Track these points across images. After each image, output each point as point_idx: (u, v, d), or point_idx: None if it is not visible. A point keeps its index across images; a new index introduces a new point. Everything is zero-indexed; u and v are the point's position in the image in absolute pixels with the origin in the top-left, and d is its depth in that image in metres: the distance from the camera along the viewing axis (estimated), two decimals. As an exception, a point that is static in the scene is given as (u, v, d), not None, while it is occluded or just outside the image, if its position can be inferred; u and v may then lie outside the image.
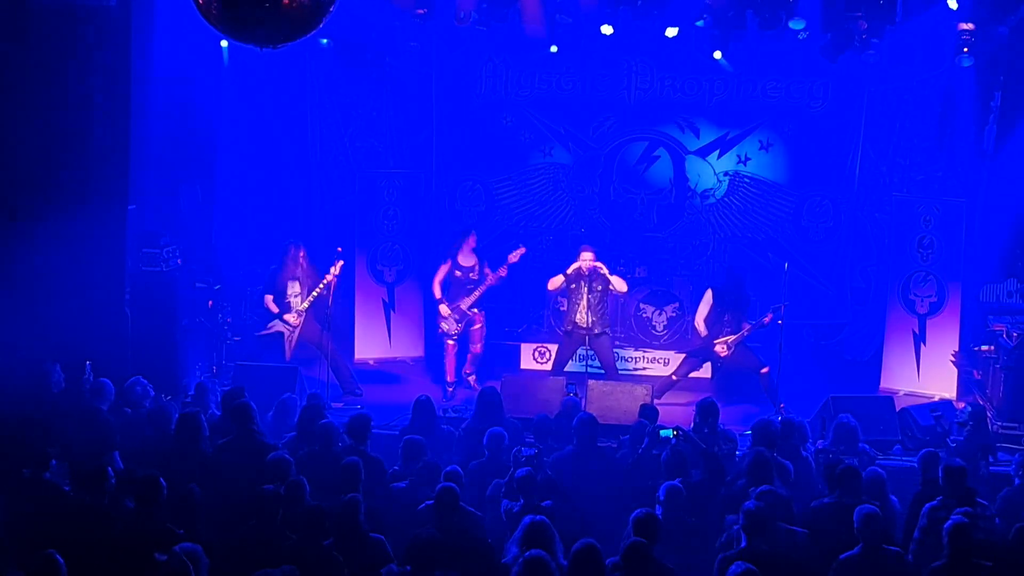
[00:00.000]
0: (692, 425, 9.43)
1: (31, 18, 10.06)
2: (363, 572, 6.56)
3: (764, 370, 11.70)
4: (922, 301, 12.69)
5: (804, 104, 13.75)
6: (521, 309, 13.71)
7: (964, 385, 12.34)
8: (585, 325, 11.59)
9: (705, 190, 14.09)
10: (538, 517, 6.71)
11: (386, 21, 12.88)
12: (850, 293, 14.05)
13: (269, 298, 12.21)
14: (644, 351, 13.13)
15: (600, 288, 11.62)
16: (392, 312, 13.66)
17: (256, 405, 8.75)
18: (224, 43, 12.88)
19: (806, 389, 12.03)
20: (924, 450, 8.50)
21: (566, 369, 11.93)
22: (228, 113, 13.40)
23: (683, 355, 12.34)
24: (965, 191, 13.02)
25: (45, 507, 7.24)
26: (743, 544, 6.73)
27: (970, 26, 11.86)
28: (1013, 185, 12.79)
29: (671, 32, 12.55)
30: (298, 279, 12.13)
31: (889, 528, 7.28)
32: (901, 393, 12.35)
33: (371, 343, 13.55)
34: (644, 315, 13.28)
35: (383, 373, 13.23)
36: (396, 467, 8.41)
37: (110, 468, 7.40)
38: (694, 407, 9.57)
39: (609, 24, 12.62)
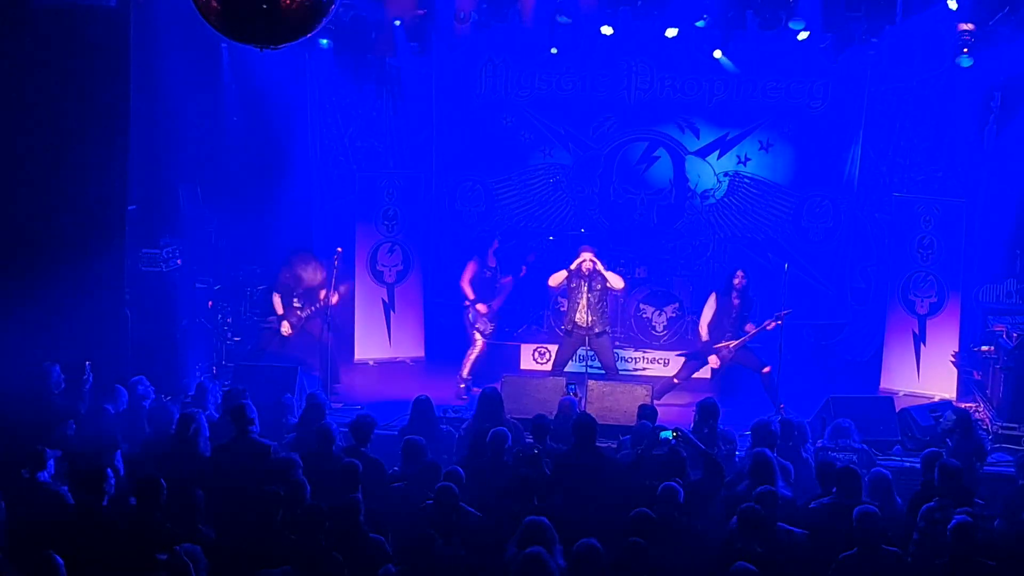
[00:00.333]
0: (692, 425, 9.43)
1: (31, 18, 10.06)
2: (363, 572, 6.56)
3: (766, 369, 11.71)
4: (922, 301, 12.69)
5: (804, 104, 13.75)
6: (521, 309, 13.70)
7: (964, 385, 12.34)
8: (585, 325, 11.59)
9: (705, 190, 14.09)
10: (538, 517, 6.71)
11: (386, 21, 12.88)
12: (850, 293, 14.05)
13: (277, 297, 12.22)
14: (644, 351, 13.13)
15: (600, 287, 11.62)
16: (392, 312, 13.66)
17: (256, 405, 8.75)
18: (224, 45, 12.89)
19: (806, 389, 12.03)
20: (927, 450, 8.50)
21: (566, 369, 11.92)
22: (228, 113, 13.40)
23: (683, 359, 12.34)
24: (965, 191, 13.02)
25: (43, 508, 7.24)
26: (737, 544, 6.73)
27: (970, 26, 11.87)
28: (1013, 185, 12.81)
29: (671, 32, 12.55)
30: (304, 288, 12.21)
31: (888, 529, 7.26)
32: (901, 393, 12.35)
33: (371, 343, 13.55)
34: (644, 315, 13.28)
35: (383, 373, 13.23)
36: (396, 467, 8.41)
37: (109, 469, 7.38)
38: (694, 407, 9.56)
39: (609, 25, 12.62)
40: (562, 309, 12.47)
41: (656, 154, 14.13)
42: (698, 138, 14.02)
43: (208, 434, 8.55)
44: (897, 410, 11.00)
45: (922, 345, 12.64)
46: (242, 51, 12.39)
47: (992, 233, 12.86)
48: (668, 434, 8.26)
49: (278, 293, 12.24)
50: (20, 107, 10.13)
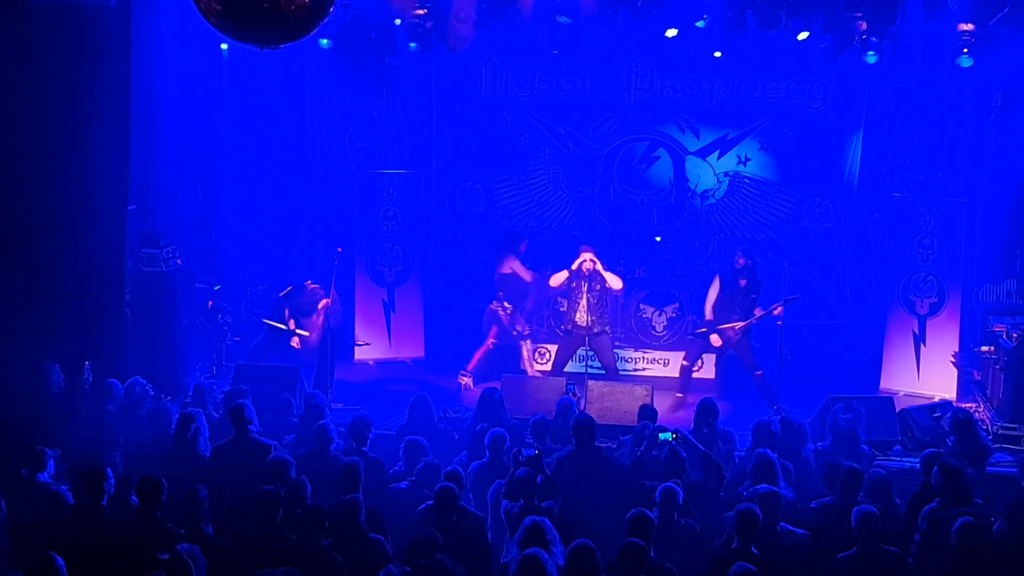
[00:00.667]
0: (692, 425, 9.43)
1: (31, 18, 10.05)
2: (363, 572, 6.55)
3: (758, 372, 11.73)
4: (922, 302, 12.69)
5: (804, 104, 13.75)
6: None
7: (964, 386, 12.34)
8: (585, 325, 11.59)
9: (705, 191, 14.09)
10: (538, 518, 6.71)
11: (386, 21, 12.88)
12: (850, 294, 14.05)
13: (291, 322, 12.39)
14: (644, 351, 13.13)
15: (599, 288, 11.63)
16: (392, 313, 13.66)
17: (257, 405, 8.75)
18: (224, 46, 12.88)
19: (806, 389, 12.02)
20: (927, 451, 8.50)
21: (566, 369, 11.92)
22: (228, 113, 13.40)
23: (689, 346, 12.43)
24: (965, 191, 13.03)
25: (43, 508, 7.24)
26: (734, 544, 6.72)
27: (970, 26, 11.87)
28: (1013, 185, 12.81)
29: (671, 33, 12.55)
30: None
31: (888, 529, 7.26)
32: (901, 394, 12.34)
33: (371, 344, 13.54)
34: (644, 316, 13.27)
35: (383, 373, 13.23)
36: (396, 467, 8.41)
37: (109, 469, 7.38)
38: (694, 407, 9.56)
39: (609, 26, 12.62)
40: (562, 309, 12.47)
41: (656, 154, 14.13)
42: (698, 138, 14.02)
43: (208, 434, 8.55)
44: (897, 410, 11.00)
45: (922, 345, 12.64)
46: (242, 51, 12.39)
47: (992, 233, 12.86)
48: (667, 435, 8.26)
49: (289, 310, 12.37)
50: (20, 107, 10.12)
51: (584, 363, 11.99)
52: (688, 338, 12.59)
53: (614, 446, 9.47)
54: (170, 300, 11.68)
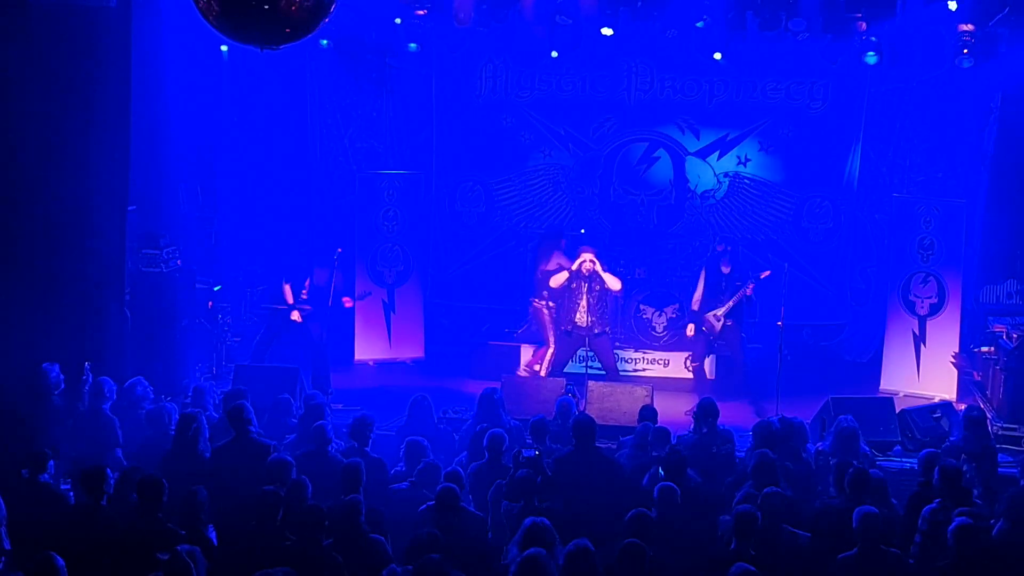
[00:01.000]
0: (691, 425, 9.42)
1: (31, 18, 10.05)
2: (364, 573, 6.55)
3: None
4: (922, 302, 12.68)
5: (804, 105, 13.76)
6: (521, 310, 13.69)
7: (964, 386, 12.33)
8: (585, 325, 11.58)
9: (705, 191, 14.10)
10: (538, 518, 6.70)
11: (386, 22, 12.88)
12: (850, 294, 14.06)
13: (288, 287, 12.11)
14: (644, 352, 13.13)
15: (599, 288, 11.62)
16: (392, 313, 13.66)
17: (256, 406, 8.74)
18: (224, 47, 12.88)
19: (806, 390, 12.01)
20: (925, 451, 8.49)
21: (566, 370, 11.91)
22: (228, 113, 13.40)
23: (687, 355, 12.55)
24: (965, 192, 13.02)
25: (43, 508, 7.23)
26: (732, 546, 6.72)
27: (970, 27, 11.87)
28: (1013, 185, 12.81)
29: (671, 34, 12.56)
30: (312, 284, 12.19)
31: (889, 530, 7.25)
32: (901, 394, 12.33)
33: (371, 344, 13.55)
34: (644, 316, 13.28)
35: (383, 374, 13.23)
36: (396, 468, 8.40)
37: (108, 469, 7.37)
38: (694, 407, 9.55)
39: (609, 26, 12.62)
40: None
41: (656, 155, 14.14)
42: (698, 139, 14.02)
43: (208, 435, 8.55)
44: (897, 411, 10.99)
45: (922, 346, 12.63)
46: (242, 51, 12.39)
47: (992, 233, 12.86)
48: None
49: (288, 283, 12.16)
50: (20, 107, 10.12)
51: (584, 364, 11.99)
52: (688, 338, 12.59)
53: (614, 447, 9.47)
54: (170, 300, 11.67)
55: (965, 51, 12.02)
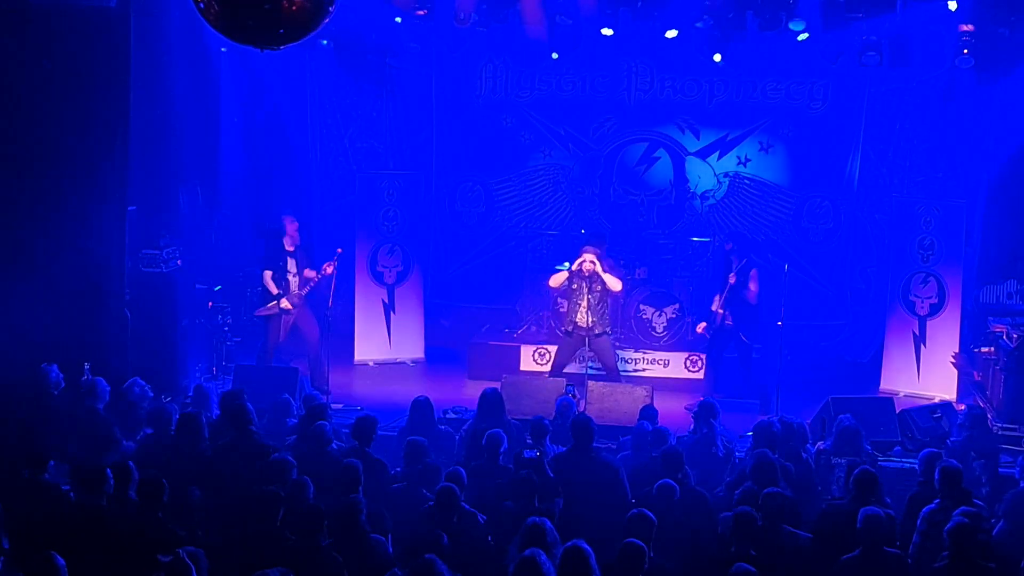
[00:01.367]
0: (691, 425, 9.42)
1: (31, 18, 10.06)
2: (364, 573, 6.55)
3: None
4: (922, 302, 12.67)
5: (804, 105, 13.77)
6: (521, 310, 13.70)
7: (964, 387, 12.33)
8: (585, 325, 11.57)
9: (705, 191, 14.11)
10: (538, 519, 6.70)
11: (386, 22, 12.88)
12: (850, 294, 14.06)
13: (268, 274, 12.01)
14: (644, 352, 13.12)
15: (600, 288, 11.61)
16: (392, 313, 13.65)
17: (256, 407, 8.74)
18: (223, 49, 12.88)
19: (806, 390, 12.01)
20: (925, 451, 8.49)
21: (567, 370, 11.91)
22: (228, 114, 13.39)
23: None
24: (965, 192, 13.02)
25: (44, 509, 7.23)
26: (732, 549, 6.72)
27: (970, 27, 11.88)
28: (1013, 186, 12.81)
29: (671, 34, 12.55)
30: (295, 256, 12.05)
31: (891, 530, 7.24)
32: (901, 394, 12.33)
33: (371, 344, 13.55)
34: (644, 316, 13.27)
35: (383, 374, 13.23)
36: (398, 468, 8.40)
37: (108, 470, 7.37)
38: (694, 408, 9.56)
39: (609, 26, 12.63)
40: (562, 310, 12.45)
41: (656, 155, 14.15)
42: (698, 139, 14.03)
43: (208, 435, 8.55)
44: (897, 411, 10.99)
45: (922, 346, 12.63)
46: (242, 51, 12.38)
47: (992, 233, 12.85)
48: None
49: (269, 270, 12.05)
50: (20, 107, 10.12)
51: (584, 364, 11.99)
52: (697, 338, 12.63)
53: (614, 447, 9.47)
54: (170, 301, 11.65)
55: (965, 51, 12.02)
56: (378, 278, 13.62)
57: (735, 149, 13.99)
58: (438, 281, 14.31)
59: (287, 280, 11.99)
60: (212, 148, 13.33)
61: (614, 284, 11.67)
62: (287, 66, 13.44)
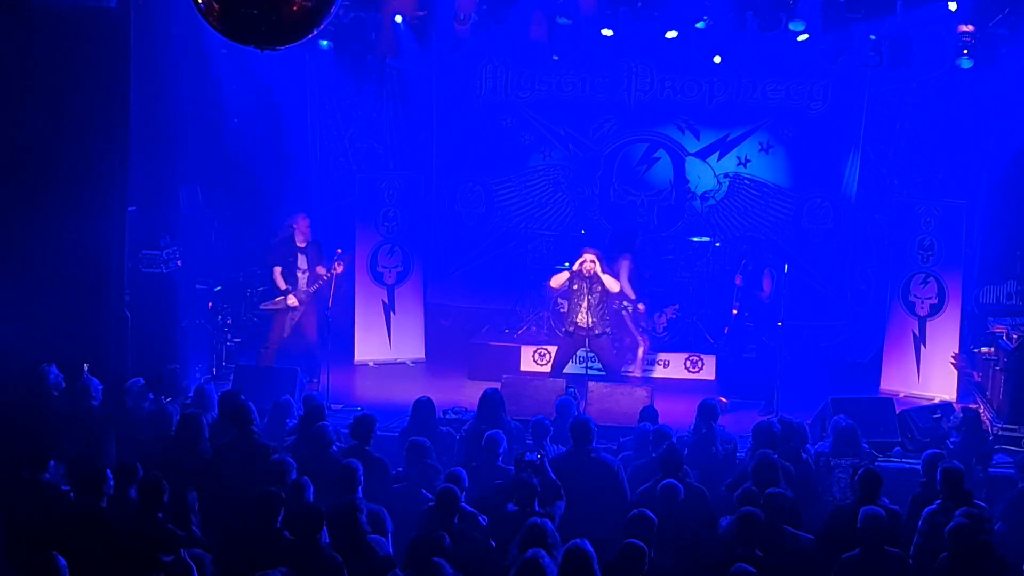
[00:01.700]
0: (692, 425, 9.42)
1: (31, 18, 10.06)
2: (364, 572, 6.55)
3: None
4: (922, 303, 12.67)
5: (804, 106, 13.77)
6: (521, 311, 13.70)
7: (964, 387, 12.33)
8: (586, 326, 11.57)
9: (705, 192, 14.11)
10: (539, 520, 6.70)
11: (386, 22, 12.88)
12: (850, 295, 14.06)
13: (278, 270, 12.09)
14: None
15: (600, 289, 11.61)
16: (392, 314, 13.65)
17: (255, 407, 8.74)
18: (224, 50, 12.87)
19: (806, 391, 12.02)
20: (928, 451, 8.48)
21: (566, 371, 11.90)
22: (228, 114, 13.39)
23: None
24: (965, 192, 13.02)
25: (45, 509, 7.23)
26: (738, 550, 6.72)
27: (970, 28, 11.88)
28: (1013, 186, 12.81)
29: (671, 34, 12.55)
30: (306, 252, 12.12)
31: (894, 530, 7.24)
32: (901, 395, 12.33)
33: (371, 345, 13.54)
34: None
35: (383, 375, 13.22)
36: (399, 469, 8.40)
37: (108, 470, 7.37)
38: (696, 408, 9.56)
39: (609, 27, 12.63)
40: (562, 311, 12.45)
41: (656, 155, 14.15)
42: (698, 139, 14.04)
43: (208, 435, 8.55)
44: (897, 411, 10.99)
45: (922, 346, 12.62)
46: (242, 52, 12.38)
47: (992, 234, 12.85)
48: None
49: (278, 266, 12.11)
50: (20, 107, 10.12)
51: (584, 364, 11.98)
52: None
53: (614, 448, 9.47)
54: (170, 301, 11.66)
55: (965, 52, 12.02)
56: (378, 278, 13.61)
57: (735, 149, 13.99)
58: (438, 281, 14.31)
59: (296, 276, 12.05)
60: (212, 148, 13.32)
61: (612, 285, 11.67)
62: (287, 67, 13.44)
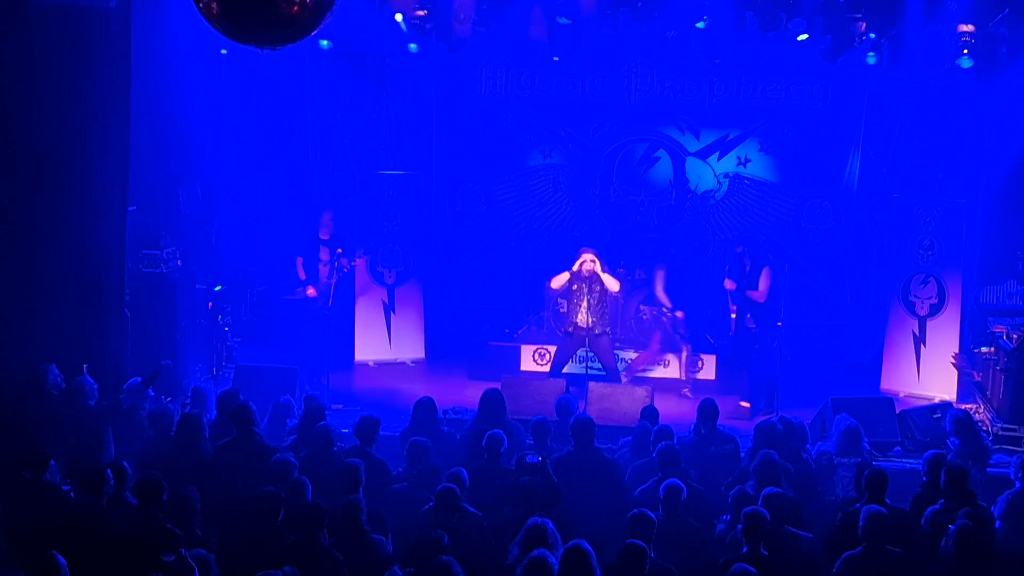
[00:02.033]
0: (692, 425, 9.42)
1: (31, 18, 10.06)
2: (364, 572, 6.55)
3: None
4: (922, 302, 12.67)
5: (804, 106, 13.76)
6: (521, 311, 13.70)
7: (964, 387, 12.33)
8: (586, 326, 11.57)
9: (705, 191, 14.10)
10: (540, 520, 6.70)
11: (386, 22, 12.87)
12: (850, 295, 14.05)
13: (299, 261, 12.56)
14: (644, 352, 13.10)
15: (600, 289, 11.61)
16: (392, 314, 13.65)
17: (255, 407, 8.74)
18: (224, 51, 12.88)
19: (806, 391, 12.02)
20: (930, 452, 8.48)
21: (566, 371, 11.90)
22: (228, 114, 13.39)
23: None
24: (965, 192, 13.01)
25: (45, 509, 7.23)
26: (744, 550, 6.71)
27: (970, 27, 11.87)
28: (1013, 186, 12.81)
29: (671, 35, 12.56)
30: (328, 245, 12.47)
31: (902, 530, 7.23)
32: (901, 395, 12.33)
33: (371, 345, 13.54)
34: (644, 317, 13.25)
35: (383, 375, 13.22)
36: (400, 469, 8.40)
37: (108, 470, 7.37)
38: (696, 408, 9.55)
39: (609, 27, 12.63)
40: (562, 311, 12.45)
41: (656, 155, 14.14)
42: (698, 139, 14.02)
43: (208, 435, 8.55)
44: (897, 411, 10.99)
45: (922, 346, 12.62)
46: (242, 52, 12.38)
47: (993, 234, 12.85)
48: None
49: (301, 256, 12.56)
50: (20, 107, 10.12)
51: (584, 364, 11.98)
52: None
53: (614, 447, 9.47)
54: (170, 301, 11.67)
55: (965, 51, 12.02)
56: (378, 278, 13.61)
57: (735, 149, 13.98)
58: (438, 281, 14.30)
59: (317, 268, 12.41)
60: (212, 148, 13.32)
61: (612, 285, 11.67)
62: (287, 67, 13.43)
